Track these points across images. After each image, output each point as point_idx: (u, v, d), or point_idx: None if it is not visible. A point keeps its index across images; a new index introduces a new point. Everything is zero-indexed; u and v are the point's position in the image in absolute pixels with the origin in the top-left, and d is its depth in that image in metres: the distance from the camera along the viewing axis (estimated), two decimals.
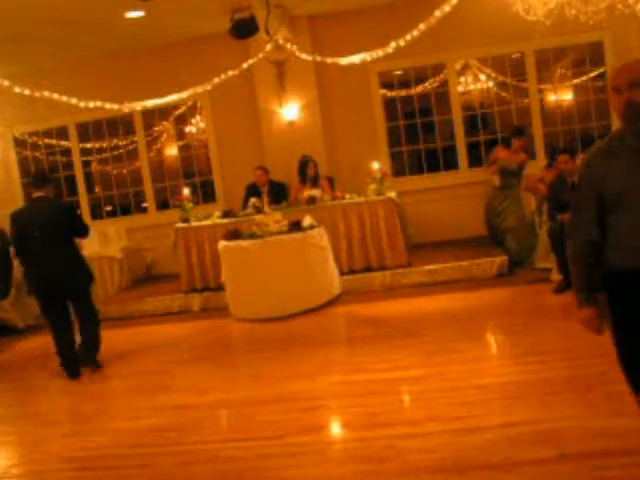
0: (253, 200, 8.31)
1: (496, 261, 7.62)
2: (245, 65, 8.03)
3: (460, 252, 8.13)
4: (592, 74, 9.38)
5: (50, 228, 5.69)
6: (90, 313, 6.01)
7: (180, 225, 8.24)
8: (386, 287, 7.71)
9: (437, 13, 6.19)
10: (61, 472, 3.94)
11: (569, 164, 6.58)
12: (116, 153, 10.42)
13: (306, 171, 8.60)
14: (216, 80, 7.87)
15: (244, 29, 7.66)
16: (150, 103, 8.01)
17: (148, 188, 10.39)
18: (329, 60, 7.71)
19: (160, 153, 10.74)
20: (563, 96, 10.07)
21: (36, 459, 4.17)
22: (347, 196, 8.24)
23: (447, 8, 6.06)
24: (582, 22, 5.89)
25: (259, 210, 7.95)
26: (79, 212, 8.79)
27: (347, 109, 9.56)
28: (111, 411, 4.90)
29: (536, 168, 8.25)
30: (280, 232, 7.16)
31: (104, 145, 10.44)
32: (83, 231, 5.98)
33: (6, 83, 7.06)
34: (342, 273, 7.76)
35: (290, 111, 9.35)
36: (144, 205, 10.64)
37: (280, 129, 9.42)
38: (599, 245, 2.59)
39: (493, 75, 9.61)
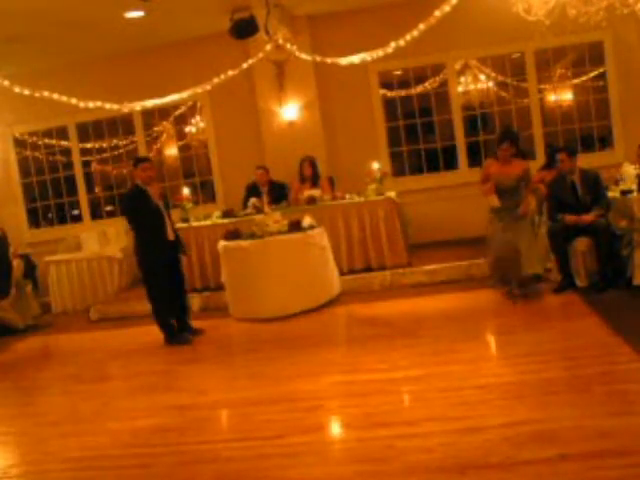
0: (253, 200, 8.31)
1: None
2: (245, 65, 8.02)
3: (460, 252, 8.13)
4: (592, 74, 9.39)
5: None
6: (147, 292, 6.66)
7: (180, 225, 8.23)
8: (386, 287, 7.71)
9: (437, 13, 6.18)
10: (61, 472, 3.94)
11: (565, 163, 6.57)
12: (116, 153, 10.42)
13: (302, 171, 8.62)
14: (216, 80, 7.86)
15: (244, 29, 7.66)
16: (150, 103, 8.00)
17: None
18: (329, 60, 7.70)
19: (160, 153, 10.73)
20: (563, 96, 10.07)
21: (36, 459, 4.16)
22: (347, 196, 8.24)
23: (447, 8, 6.06)
24: (582, 22, 5.88)
25: (259, 210, 7.95)
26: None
27: (347, 109, 9.56)
28: (111, 411, 4.89)
29: (534, 169, 8.24)
30: (280, 232, 7.15)
31: (104, 145, 10.44)
32: None
33: (6, 83, 7.06)
34: (342, 273, 7.76)
35: (290, 111, 9.35)
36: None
37: (280, 129, 9.42)
38: None
39: (493, 75, 9.62)
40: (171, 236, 6.62)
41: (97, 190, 11.18)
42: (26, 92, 7.31)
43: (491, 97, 9.83)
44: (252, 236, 7.16)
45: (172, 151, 10.97)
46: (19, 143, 10.57)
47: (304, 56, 7.98)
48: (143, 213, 6.45)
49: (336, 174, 9.04)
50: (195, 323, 6.95)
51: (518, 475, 3.12)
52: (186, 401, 4.85)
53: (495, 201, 6.47)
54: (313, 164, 8.67)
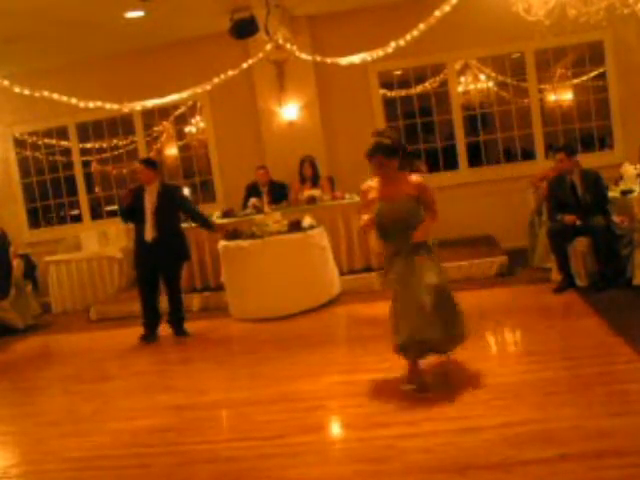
0: (253, 200, 8.31)
1: (496, 261, 7.62)
2: (245, 65, 8.02)
3: (460, 252, 8.13)
4: (592, 74, 9.38)
5: None
6: None
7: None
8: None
9: (437, 13, 6.19)
10: (61, 472, 3.94)
11: (564, 162, 6.56)
12: (116, 153, 10.42)
13: (302, 171, 8.62)
14: (216, 80, 7.86)
15: (244, 29, 7.67)
16: (150, 103, 8.01)
17: None
18: (329, 60, 7.70)
19: (160, 153, 10.73)
20: (563, 96, 10.07)
21: (36, 459, 4.17)
22: (347, 196, 8.24)
23: (447, 8, 6.06)
24: (582, 22, 5.88)
25: (259, 210, 7.95)
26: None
27: (347, 109, 9.56)
28: (111, 411, 4.89)
29: (534, 169, 8.23)
30: (280, 232, 7.16)
31: (104, 145, 10.44)
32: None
33: (6, 83, 7.06)
34: (342, 273, 7.76)
35: (290, 111, 9.35)
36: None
37: (280, 129, 9.42)
38: None
39: (493, 75, 9.62)
40: (148, 237, 6.54)
41: (97, 190, 11.19)
42: (26, 92, 7.31)
43: (491, 97, 9.83)
44: (252, 236, 7.16)
45: (172, 151, 10.97)
46: (19, 143, 10.56)
47: (304, 56, 7.98)
48: (133, 210, 6.58)
49: (336, 174, 9.04)
50: (195, 323, 6.96)
51: (518, 475, 3.12)
52: (186, 401, 4.85)
53: (375, 243, 4.44)
54: (313, 164, 8.68)
